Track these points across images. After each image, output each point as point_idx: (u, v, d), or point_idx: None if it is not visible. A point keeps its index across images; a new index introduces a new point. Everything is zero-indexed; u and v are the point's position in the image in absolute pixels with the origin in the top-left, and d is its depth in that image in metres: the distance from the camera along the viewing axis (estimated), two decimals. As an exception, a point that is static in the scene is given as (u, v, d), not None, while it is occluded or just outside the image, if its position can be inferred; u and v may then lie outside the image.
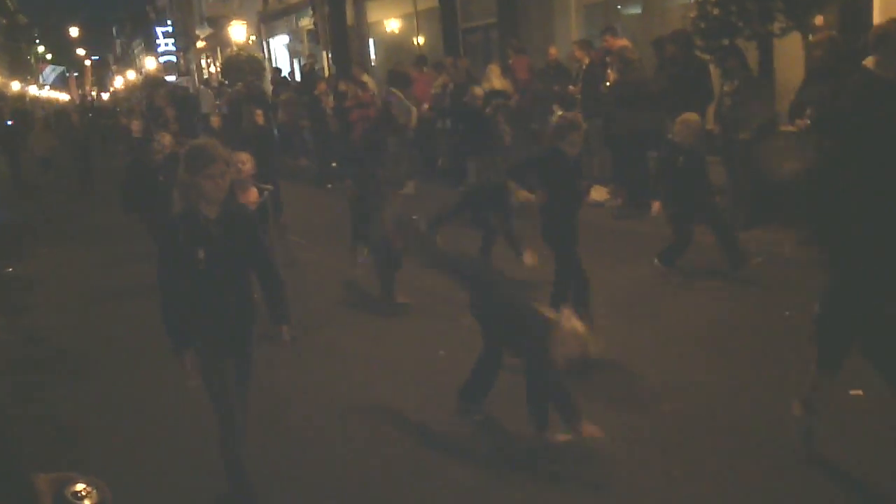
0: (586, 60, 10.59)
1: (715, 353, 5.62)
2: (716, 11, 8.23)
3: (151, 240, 8.40)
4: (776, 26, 8.03)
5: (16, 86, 49.12)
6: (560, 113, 6.03)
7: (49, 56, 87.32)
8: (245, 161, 6.67)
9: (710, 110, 8.95)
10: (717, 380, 5.18)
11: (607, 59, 10.19)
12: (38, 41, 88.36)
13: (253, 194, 6.88)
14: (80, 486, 1.96)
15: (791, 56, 8.82)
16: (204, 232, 3.78)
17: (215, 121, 15.06)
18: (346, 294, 7.88)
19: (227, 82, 23.00)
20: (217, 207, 3.81)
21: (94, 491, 1.96)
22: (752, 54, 8.66)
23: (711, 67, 9.01)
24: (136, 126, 14.47)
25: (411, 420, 4.99)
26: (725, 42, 8.42)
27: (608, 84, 10.21)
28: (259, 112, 11.67)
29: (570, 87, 10.86)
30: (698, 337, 5.93)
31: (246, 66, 23.16)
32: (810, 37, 7.96)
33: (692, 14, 8.66)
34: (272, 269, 4.14)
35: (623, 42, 10.26)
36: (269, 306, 4.11)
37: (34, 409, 5.61)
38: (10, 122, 19.98)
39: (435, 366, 5.77)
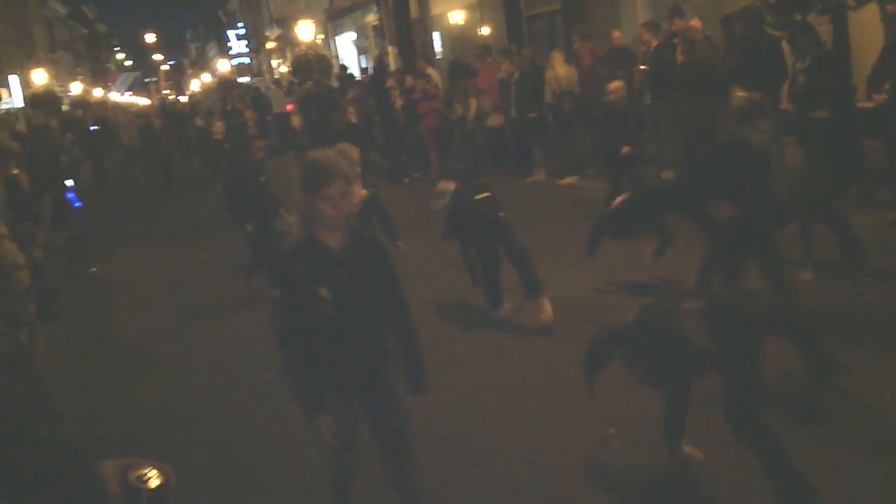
0: (654, 43, 10.39)
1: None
2: (786, -14, 7.98)
3: (248, 244, 8.28)
4: (850, -2, 7.75)
5: (98, 93, 50.98)
6: (741, 94, 5.04)
7: (129, 62, 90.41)
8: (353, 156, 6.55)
9: (784, 89, 8.69)
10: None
11: (674, 40, 9.98)
12: (117, 49, 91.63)
13: (358, 191, 6.82)
14: (144, 470, 2.04)
15: (868, 28, 8.49)
16: (326, 266, 3.14)
17: (296, 120, 14.84)
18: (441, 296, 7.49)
19: (297, 81, 23.41)
20: (341, 234, 3.17)
21: (158, 473, 2.04)
22: (825, 28, 8.35)
23: (783, 44, 8.73)
24: (218, 127, 14.72)
25: (479, 411, 4.99)
26: (797, 17, 8.15)
27: (642, 68, 10.20)
28: (351, 109, 11.40)
29: (640, 67, 10.63)
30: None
31: (314, 65, 23.55)
32: (887, 8, 7.64)
33: (762, -11, 8.42)
34: (406, 315, 3.38)
35: (693, 22, 10.02)
36: (401, 362, 3.40)
37: (111, 405, 5.85)
38: (94, 128, 20.66)
39: (501, 354, 5.77)
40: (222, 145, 13.98)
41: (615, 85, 8.83)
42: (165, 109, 25.18)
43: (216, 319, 7.75)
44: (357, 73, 24.84)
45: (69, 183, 14.02)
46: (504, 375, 5.47)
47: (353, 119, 11.45)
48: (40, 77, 33.99)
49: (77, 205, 14.74)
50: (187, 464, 4.75)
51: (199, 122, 17.96)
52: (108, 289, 9.54)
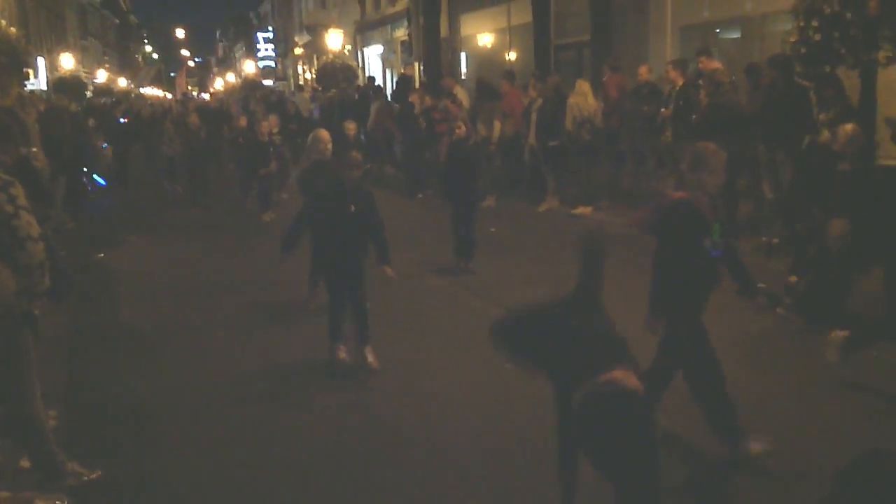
0: (680, 81, 10.40)
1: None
2: (817, 37, 7.96)
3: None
4: (881, 55, 7.72)
5: (122, 82, 51.35)
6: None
7: (156, 56, 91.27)
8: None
9: (806, 140, 8.66)
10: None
11: (699, 81, 9.99)
12: (146, 41, 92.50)
13: None
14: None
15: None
16: None
17: (351, 128, 12.42)
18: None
19: (320, 88, 23.55)
20: None
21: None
22: (853, 83, 8.34)
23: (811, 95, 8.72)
24: (265, 127, 13.40)
25: (494, 446, 4.93)
26: (827, 69, 8.14)
27: (663, 111, 10.41)
28: (460, 124, 9.50)
29: (662, 110, 10.67)
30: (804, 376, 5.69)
31: (340, 74, 23.72)
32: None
33: (793, 39, 8.41)
34: None
35: (716, 65, 10.04)
36: None
37: (109, 389, 5.83)
38: (123, 120, 19.00)
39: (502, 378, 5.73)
40: (272, 148, 13.04)
41: (848, 129, 6.62)
42: (199, 107, 23.34)
43: (217, 310, 7.79)
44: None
45: (87, 169, 13.99)
46: (518, 400, 5.41)
47: (462, 133, 9.08)
48: (67, 61, 34.31)
49: (101, 183, 14.58)
50: (178, 451, 4.76)
51: (242, 121, 14.99)
52: (114, 276, 9.52)
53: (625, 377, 3.04)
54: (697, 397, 4.47)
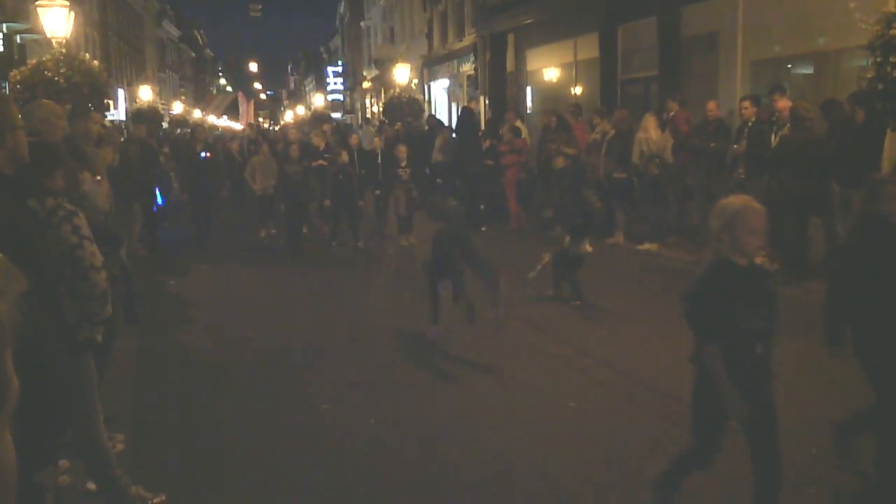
0: (753, 117, 10.20)
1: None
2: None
3: None
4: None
5: (197, 114, 52.90)
6: None
7: (230, 89, 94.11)
8: None
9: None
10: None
11: (773, 118, 9.78)
12: (220, 74, 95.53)
13: None
14: None
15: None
16: None
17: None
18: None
19: (386, 121, 23.87)
20: None
21: None
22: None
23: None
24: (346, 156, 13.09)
25: (537, 472, 4.86)
26: (908, 107, 7.89)
27: (735, 147, 10.20)
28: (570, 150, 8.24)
29: (735, 146, 10.47)
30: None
31: (406, 108, 24.01)
32: None
33: (869, 75, 8.18)
34: None
35: (788, 103, 9.82)
36: None
37: (175, 414, 5.92)
38: (205, 155, 15.28)
39: (564, 417, 5.65)
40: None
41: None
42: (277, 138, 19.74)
43: (281, 340, 7.86)
44: (446, 120, 25.12)
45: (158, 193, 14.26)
46: (566, 436, 5.36)
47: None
48: (146, 93, 35.55)
49: (160, 202, 14.40)
50: (243, 477, 4.79)
51: (344, 156, 13.14)
52: (184, 303, 9.72)
53: None
54: None
